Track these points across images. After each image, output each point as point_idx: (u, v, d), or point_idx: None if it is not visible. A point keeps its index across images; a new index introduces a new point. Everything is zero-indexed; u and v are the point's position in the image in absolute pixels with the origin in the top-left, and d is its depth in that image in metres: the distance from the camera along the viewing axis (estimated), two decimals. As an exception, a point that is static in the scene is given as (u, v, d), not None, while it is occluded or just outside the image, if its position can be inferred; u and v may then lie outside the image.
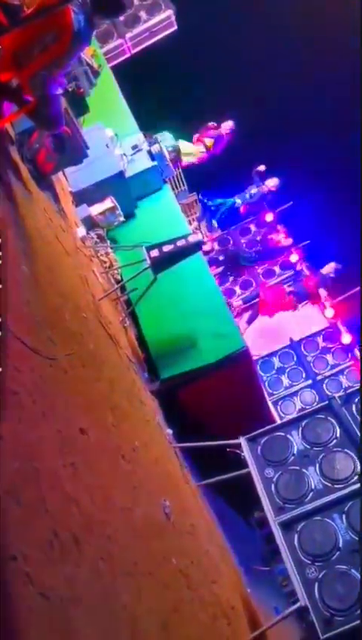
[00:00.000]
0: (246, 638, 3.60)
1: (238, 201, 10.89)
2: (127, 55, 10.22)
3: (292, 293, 9.88)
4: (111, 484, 2.64)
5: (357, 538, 3.80)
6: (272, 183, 10.65)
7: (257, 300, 10.13)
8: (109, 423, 3.14)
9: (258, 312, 10.03)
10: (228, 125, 9.61)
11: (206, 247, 5.81)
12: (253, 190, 10.78)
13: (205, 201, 11.02)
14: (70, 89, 4.59)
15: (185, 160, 9.34)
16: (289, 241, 10.89)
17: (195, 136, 9.57)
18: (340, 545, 3.83)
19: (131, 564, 2.44)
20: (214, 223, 11.20)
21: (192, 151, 9.33)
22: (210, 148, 9.50)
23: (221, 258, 11.19)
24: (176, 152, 8.89)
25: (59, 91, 3.26)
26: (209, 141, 9.53)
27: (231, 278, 11.07)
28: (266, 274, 11.00)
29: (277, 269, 11.02)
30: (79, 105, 4.89)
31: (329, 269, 9.90)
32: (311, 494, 4.17)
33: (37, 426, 2.07)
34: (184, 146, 9.20)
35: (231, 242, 11.25)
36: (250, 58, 10.92)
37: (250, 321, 10.02)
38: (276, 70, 11.09)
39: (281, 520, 4.07)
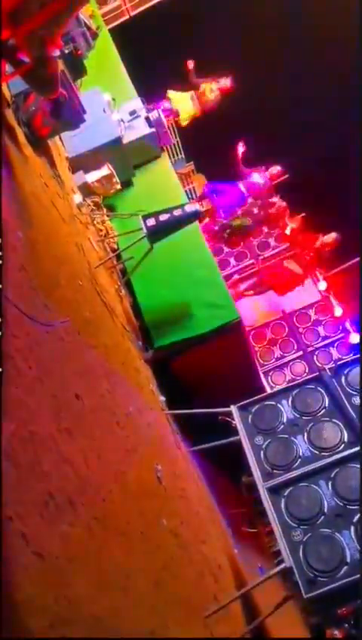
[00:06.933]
0: (232, 595, 3.74)
1: (243, 188, 10.65)
2: (127, 17, 9.90)
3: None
4: (105, 448, 2.71)
5: (341, 504, 3.92)
6: (275, 171, 10.38)
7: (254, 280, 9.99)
8: (104, 389, 3.19)
9: (262, 290, 9.87)
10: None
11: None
12: (258, 178, 10.47)
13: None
14: (67, 50, 4.48)
15: (183, 120, 8.75)
16: (284, 207, 10.60)
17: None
18: (325, 510, 3.94)
19: (124, 524, 2.52)
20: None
21: (186, 103, 8.65)
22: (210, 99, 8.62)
23: (216, 228, 11.07)
24: (172, 111, 8.48)
25: (57, 53, 3.19)
26: (209, 88, 8.62)
27: (225, 249, 10.99)
28: (261, 246, 10.93)
29: (272, 241, 10.93)
30: (76, 67, 4.77)
31: (328, 239, 9.77)
32: (298, 461, 4.26)
33: (33, 390, 2.11)
34: (175, 97, 8.61)
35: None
36: (258, 21, 10.43)
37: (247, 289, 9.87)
38: (289, 34, 10.60)
39: (269, 485, 4.17)
